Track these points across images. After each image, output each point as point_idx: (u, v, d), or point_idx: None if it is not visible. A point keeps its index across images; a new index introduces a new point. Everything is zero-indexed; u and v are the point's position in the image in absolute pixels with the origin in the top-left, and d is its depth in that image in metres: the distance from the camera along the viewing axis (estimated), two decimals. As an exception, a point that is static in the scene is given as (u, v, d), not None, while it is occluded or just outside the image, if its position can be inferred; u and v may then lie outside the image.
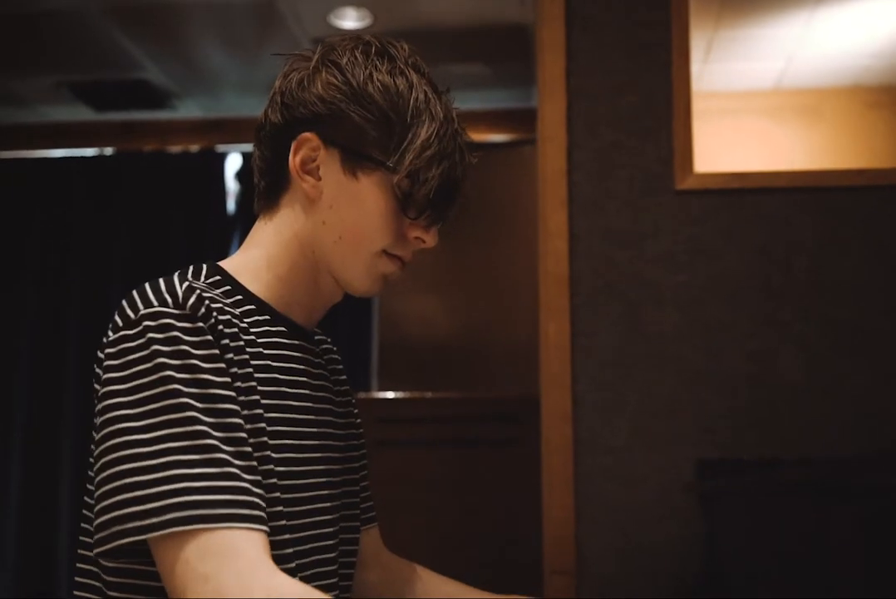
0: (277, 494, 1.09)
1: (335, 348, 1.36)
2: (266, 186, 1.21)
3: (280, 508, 1.08)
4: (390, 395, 3.53)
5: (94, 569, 1.08)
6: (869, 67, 3.28)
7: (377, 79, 1.15)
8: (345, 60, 1.17)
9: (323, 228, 1.17)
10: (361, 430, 1.35)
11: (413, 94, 1.16)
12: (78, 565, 1.11)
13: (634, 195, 2.40)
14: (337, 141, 1.15)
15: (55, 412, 4.45)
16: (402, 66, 1.18)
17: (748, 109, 3.49)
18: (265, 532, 0.99)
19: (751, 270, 2.35)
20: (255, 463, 1.03)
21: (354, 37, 1.21)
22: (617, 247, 2.38)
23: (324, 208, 1.16)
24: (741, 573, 1.82)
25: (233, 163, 4.62)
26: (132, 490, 0.97)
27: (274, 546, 1.04)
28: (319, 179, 1.16)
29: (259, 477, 1.03)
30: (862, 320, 2.31)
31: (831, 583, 1.39)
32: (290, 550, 1.09)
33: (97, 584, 1.08)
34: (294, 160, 1.16)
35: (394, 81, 1.16)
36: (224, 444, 1.00)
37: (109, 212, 4.56)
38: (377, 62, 1.17)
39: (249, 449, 1.02)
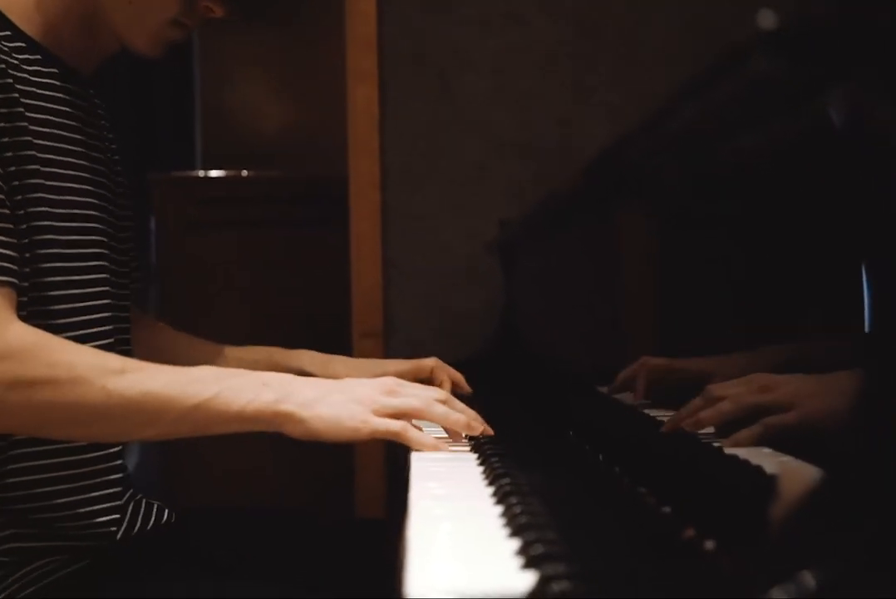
0: (56, 249, 1.07)
1: (105, 106, 1.30)
2: None
3: (60, 264, 1.07)
4: (205, 174, 3.43)
5: None
6: None
7: None
8: None
9: None
10: (130, 192, 1.32)
11: None
12: None
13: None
14: None
15: None
16: None
17: None
18: (9, 283, 0.98)
19: (562, 37, 2.33)
20: (6, 211, 1.00)
21: None
22: (427, 10, 2.32)
23: None
24: (532, 328, 1.88)
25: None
26: None
27: (45, 303, 1.05)
28: None
29: (11, 225, 1.00)
30: (670, 88, 2.32)
31: (618, 316, 1.41)
32: (60, 321, 1.08)
33: None
34: None
35: None
36: None
37: None
38: None
39: (1, 197, 1.00)
